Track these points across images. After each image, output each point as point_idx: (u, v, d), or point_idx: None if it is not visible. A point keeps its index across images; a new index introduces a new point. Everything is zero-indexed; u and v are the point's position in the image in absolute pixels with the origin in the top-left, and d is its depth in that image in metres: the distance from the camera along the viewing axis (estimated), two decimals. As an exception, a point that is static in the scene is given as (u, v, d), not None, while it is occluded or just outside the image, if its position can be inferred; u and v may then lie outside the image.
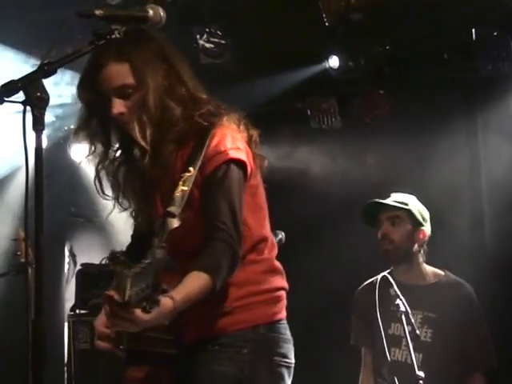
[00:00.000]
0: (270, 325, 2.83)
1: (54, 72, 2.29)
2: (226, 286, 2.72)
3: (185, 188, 2.65)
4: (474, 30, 5.91)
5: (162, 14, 2.57)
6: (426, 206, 4.60)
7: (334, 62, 6.56)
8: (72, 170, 7.79)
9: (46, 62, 2.29)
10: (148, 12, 2.54)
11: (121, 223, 8.44)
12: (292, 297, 2.96)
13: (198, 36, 6.16)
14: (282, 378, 2.85)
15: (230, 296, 2.78)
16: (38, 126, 2.21)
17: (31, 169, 2.21)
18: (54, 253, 7.55)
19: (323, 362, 5.42)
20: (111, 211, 3.04)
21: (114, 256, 2.40)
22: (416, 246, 4.51)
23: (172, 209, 2.62)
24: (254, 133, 2.88)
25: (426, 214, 4.56)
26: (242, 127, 2.85)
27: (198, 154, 2.71)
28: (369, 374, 4.58)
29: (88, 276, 6.39)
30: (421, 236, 4.51)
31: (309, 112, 6.87)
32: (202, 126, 2.76)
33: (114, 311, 2.40)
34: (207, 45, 6.14)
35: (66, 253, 7.92)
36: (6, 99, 2.22)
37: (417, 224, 4.50)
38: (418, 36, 6.14)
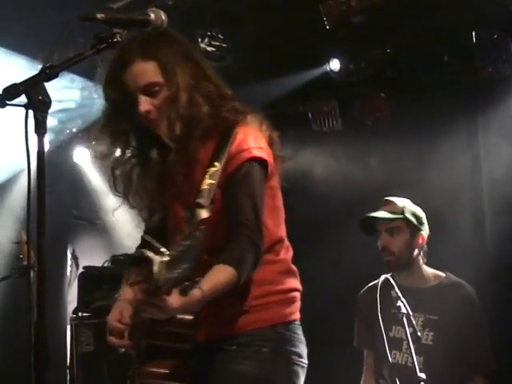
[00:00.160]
0: (286, 324, 2.86)
1: (55, 75, 2.29)
2: (244, 284, 2.73)
3: (212, 181, 2.66)
4: (474, 33, 5.92)
5: (163, 17, 2.57)
6: (426, 207, 4.60)
7: (334, 64, 6.58)
8: (74, 173, 7.82)
9: (47, 65, 2.29)
10: (149, 15, 2.54)
11: (123, 226, 8.50)
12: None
13: (199, 39, 6.17)
14: (298, 377, 2.87)
15: (248, 294, 2.80)
16: (40, 129, 2.21)
17: (33, 172, 2.21)
18: (56, 256, 7.56)
19: (324, 363, 5.41)
20: (116, 209, 3.03)
21: (144, 243, 2.40)
22: (416, 251, 4.51)
23: (201, 200, 2.62)
24: (275, 134, 2.92)
25: (423, 217, 4.55)
26: (264, 127, 2.89)
27: (223, 150, 2.73)
28: (370, 374, 4.59)
29: (90, 279, 6.40)
30: (420, 241, 4.51)
31: (310, 115, 6.88)
32: (228, 122, 2.79)
33: (145, 297, 2.41)
34: (209, 48, 6.15)
35: (69, 255, 7.93)
36: (8, 103, 2.22)
37: (415, 230, 4.50)
38: (419, 39, 6.15)
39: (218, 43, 6.17)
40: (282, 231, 2.95)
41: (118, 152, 2.92)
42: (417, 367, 3.87)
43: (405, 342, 4.20)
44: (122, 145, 2.91)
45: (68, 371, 6.17)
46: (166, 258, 2.23)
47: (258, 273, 2.76)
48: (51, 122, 7.06)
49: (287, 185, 2.97)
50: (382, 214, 4.53)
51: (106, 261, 6.77)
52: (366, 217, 4.58)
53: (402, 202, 4.57)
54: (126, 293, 3.00)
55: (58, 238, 7.39)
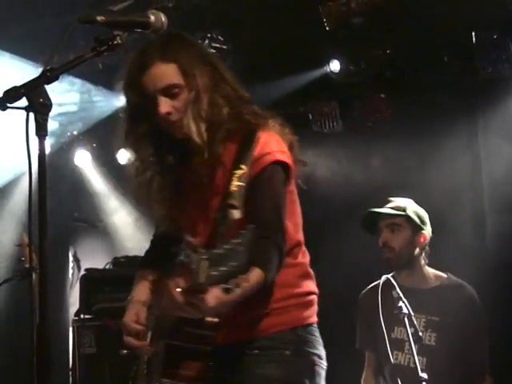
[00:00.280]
0: (305, 327, 2.88)
1: (56, 78, 2.30)
2: (265, 287, 2.72)
3: (241, 184, 2.64)
4: (473, 33, 5.92)
5: (163, 19, 2.57)
6: (427, 208, 4.60)
7: (334, 65, 6.58)
8: (75, 175, 7.83)
9: (48, 68, 2.30)
10: (149, 18, 2.54)
11: (124, 228, 8.50)
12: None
13: (199, 41, 6.18)
14: (321, 378, 2.89)
15: (268, 297, 2.80)
16: (41, 131, 2.22)
17: (34, 175, 2.22)
18: (57, 258, 7.57)
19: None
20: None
21: (187, 242, 2.39)
22: (417, 250, 4.50)
23: (233, 201, 2.61)
24: (294, 138, 2.93)
25: (425, 217, 4.55)
26: (285, 131, 2.90)
27: (247, 154, 2.72)
28: (371, 374, 4.59)
29: (92, 281, 6.39)
30: (421, 240, 4.51)
31: (310, 116, 6.88)
32: (250, 125, 2.80)
33: (182, 296, 2.39)
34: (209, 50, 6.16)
35: (70, 258, 7.94)
36: (8, 105, 2.22)
37: (416, 229, 4.49)
38: (419, 39, 6.15)
39: (218, 45, 6.18)
40: (301, 235, 2.96)
41: (138, 160, 2.93)
42: (418, 367, 3.87)
43: (407, 343, 4.20)
44: (143, 151, 2.91)
45: (70, 373, 6.16)
46: (208, 256, 2.22)
47: (279, 276, 2.75)
48: (52, 124, 7.08)
49: (306, 187, 2.98)
50: (384, 209, 4.53)
51: (107, 263, 6.77)
52: (368, 212, 4.58)
53: (404, 201, 4.57)
54: (139, 294, 3.03)
55: (60, 241, 7.40)
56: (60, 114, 7.25)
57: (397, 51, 6.33)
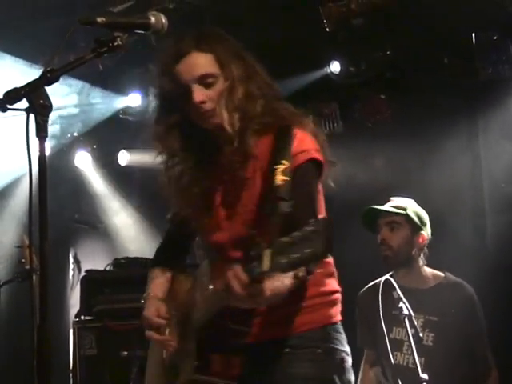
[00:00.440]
0: (332, 325, 2.89)
1: (56, 79, 2.30)
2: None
3: (286, 178, 2.64)
4: (474, 34, 5.93)
5: (163, 20, 2.57)
6: (427, 208, 4.60)
7: (335, 67, 6.59)
8: (75, 177, 7.83)
9: (48, 69, 2.30)
10: (150, 19, 2.54)
11: (124, 229, 8.49)
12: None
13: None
14: (351, 375, 2.92)
15: (299, 295, 2.80)
16: (42, 133, 2.22)
17: (35, 176, 2.22)
18: (58, 259, 7.57)
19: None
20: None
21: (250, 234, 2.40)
22: (415, 250, 4.50)
23: (282, 194, 2.60)
24: (324, 138, 2.93)
25: (425, 218, 4.55)
26: (318, 131, 2.92)
27: (286, 149, 2.72)
28: (368, 368, 4.59)
29: (92, 282, 6.40)
30: (420, 240, 4.51)
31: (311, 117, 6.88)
32: (285, 121, 2.81)
33: (238, 285, 2.39)
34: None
35: (71, 259, 7.94)
36: (9, 107, 2.22)
37: (415, 228, 4.50)
38: (419, 40, 6.16)
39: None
40: None
41: (168, 153, 2.93)
42: (419, 368, 3.87)
43: (405, 343, 4.21)
44: (173, 142, 2.89)
45: (71, 375, 6.16)
46: (276, 245, 2.22)
47: None
48: (52, 126, 7.08)
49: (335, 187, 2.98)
50: (384, 207, 4.54)
51: (108, 264, 6.77)
52: (369, 208, 4.58)
53: (406, 201, 4.58)
54: (156, 291, 3.05)
55: (60, 242, 7.40)
56: (60, 116, 7.26)
57: (397, 52, 6.33)
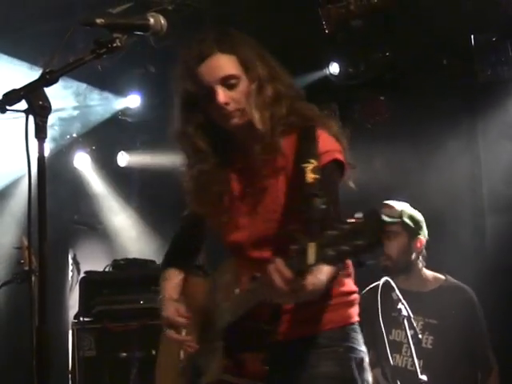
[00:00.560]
0: (351, 325, 2.91)
1: (55, 80, 2.29)
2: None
3: (317, 176, 2.65)
4: (472, 36, 5.93)
5: (162, 22, 2.56)
6: (426, 209, 4.59)
7: (334, 68, 6.59)
8: (74, 178, 7.83)
9: (47, 70, 2.30)
10: (149, 20, 2.54)
11: (124, 231, 8.48)
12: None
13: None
14: (369, 374, 2.92)
15: (325, 294, 2.78)
16: (41, 134, 2.22)
17: (34, 177, 2.22)
18: (57, 261, 7.56)
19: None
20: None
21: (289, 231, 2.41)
22: (414, 255, 4.50)
23: (316, 191, 2.61)
24: (346, 141, 2.93)
25: (421, 221, 4.54)
26: (341, 133, 2.92)
27: (312, 148, 2.74)
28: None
29: (91, 283, 6.39)
30: (418, 245, 4.51)
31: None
32: (309, 121, 2.82)
33: (280, 279, 2.37)
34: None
35: (70, 260, 7.93)
36: (8, 108, 2.22)
37: (412, 234, 4.49)
38: (418, 42, 6.16)
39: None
40: None
41: (193, 152, 2.93)
42: (418, 369, 3.87)
43: (405, 345, 4.21)
44: (199, 142, 2.90)
45: (70, 376, 6.16)
46: (322, 237, 2.22)
47: None
48: (51, 127, 7.08)
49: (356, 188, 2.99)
50: None
51: (107, 265, 6.77)
52: None
53: (400, 206, 4.56)
54: (171, 292, 3.08)
55: (59, 243, 7.39)
56: (59, 117, 7.25)
57: (396, 54, 6.33)
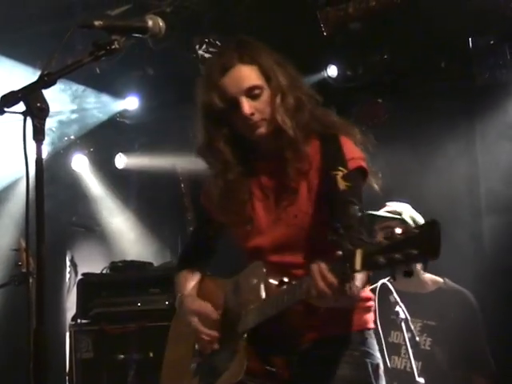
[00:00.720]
0: (367, 330, 2.94)
1: (53, 82, 2.30)
2: None
3: (349, 184, 2.71)
4: (471, 39, 5.94)
5: (161, 24, 2.57)
6: (425, 211, 4.59)
7: (332, 71, 6.59)
8: (72, 179, 7.82)
9: (45, 72, 2.30)
10: (147, 22, 2.54)
11: (122, 233, 8.47)
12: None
13: (197, 46, 6.18)
14: (383, 381, 2.94)
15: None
16: (39, 136, 2.22)
17: (32, 179, 2.21)
18: (55, 262, 7.56)
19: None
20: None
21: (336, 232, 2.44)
22: None
23: (353, 199, 2.67)
24: (370, 149, 2.99)
25: (421, 222, 4.54)
26: (364, 141, 2.97)
27: (339, 156, 2.79)
28: None
29: (89, 285, 6.39)
30: (417, 245, 4.50)
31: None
32: (332, 129, 2.87)
33: (327, 281, 2.40)
34: (206, 55, 6.16)
35: (67, 262, 7.93)
36: (6, 110, 2.22)
37: None
38: (416, 45, 6.16)
39: (215, 50, 6.18)
40: None
41: (221, 162, 2.95)
42: (415, 372, 3.87)
43: (403, 347, 4.21)
44: (227, 153, 2.92)
45: (67, 378, 6.16)
46: (369, 244, 2.28)
47: None
48: (49, 129, 7.08)
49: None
50: (379, 212, 4.54)
51: (104, 267, 6.76)
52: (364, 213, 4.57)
53: (402, 206, 4.57)
54: (191, 292, 3.12)
55: (57, 245, 7.39)
56: (57, 119, 7.25)
57: (394, 56, 6.33)
